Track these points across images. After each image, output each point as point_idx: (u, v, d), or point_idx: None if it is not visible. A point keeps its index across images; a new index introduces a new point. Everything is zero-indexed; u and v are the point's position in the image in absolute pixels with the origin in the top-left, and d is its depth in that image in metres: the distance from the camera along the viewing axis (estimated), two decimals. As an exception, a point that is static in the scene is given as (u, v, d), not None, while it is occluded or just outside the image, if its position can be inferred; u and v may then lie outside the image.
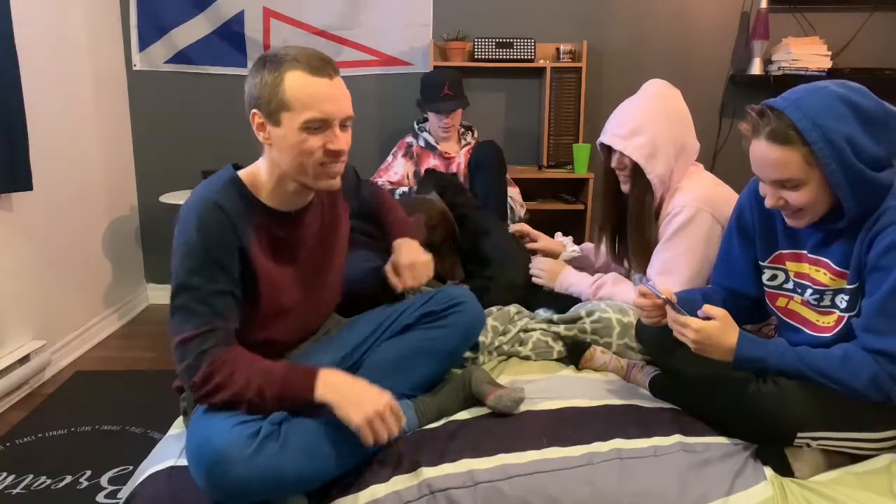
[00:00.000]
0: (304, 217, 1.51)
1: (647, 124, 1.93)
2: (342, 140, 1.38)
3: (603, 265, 2.34)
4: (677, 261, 1.91)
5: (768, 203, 1.45)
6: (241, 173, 1.45)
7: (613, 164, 2.01)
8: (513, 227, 2.46)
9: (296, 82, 1.33)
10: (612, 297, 2.02)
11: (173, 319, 1.35)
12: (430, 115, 3.08)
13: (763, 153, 1.39)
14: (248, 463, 1.21)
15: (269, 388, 1.30)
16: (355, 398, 1.30)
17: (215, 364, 1.31)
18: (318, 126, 1.35)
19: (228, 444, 1.21)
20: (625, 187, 2.03)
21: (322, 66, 1.35)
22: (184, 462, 1.37)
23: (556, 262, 2.25)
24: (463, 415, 1.56)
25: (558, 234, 2.54)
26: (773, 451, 1.42)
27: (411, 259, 1.68)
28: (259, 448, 1.22)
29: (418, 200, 2.28)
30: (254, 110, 1.38)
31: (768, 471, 1.38)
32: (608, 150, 2.04)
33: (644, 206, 1.98)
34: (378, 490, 1.32)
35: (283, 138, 1.36)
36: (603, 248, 2.22)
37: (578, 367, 1.84)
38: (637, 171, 1.95)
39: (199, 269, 1.33)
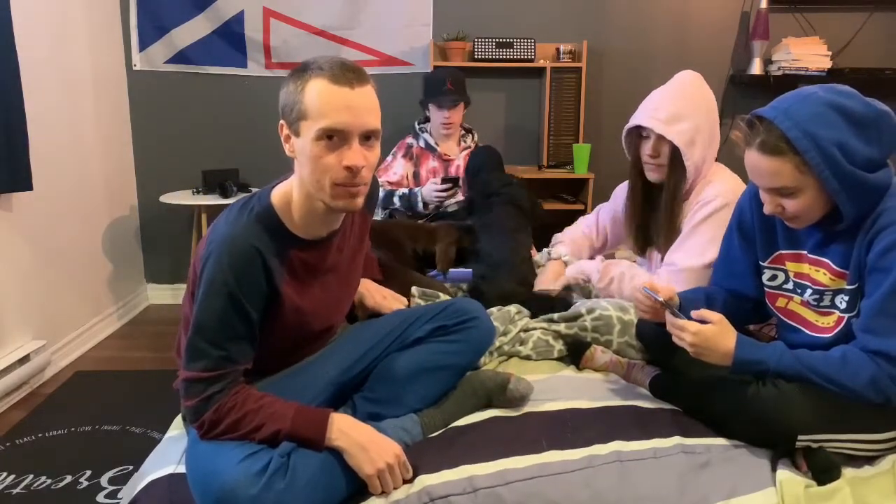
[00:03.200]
0: (333, 242, 1.46)
1: (688, 111, 1.93)
2: (357, 154, 1.28)
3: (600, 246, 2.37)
4: (703, 246, 1.91)
5: (767, 210, 1.46)
6: (275, 196, 1.38)
7: (648, 150, 1.97)
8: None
9: (315, 90, 1.26)
10: (623, 276, 2.03)
11: (185, 351, 1.33)
12: (432, 111, 3.08)
13: (756, 163, 1.40)
14: (256, 502, 1.20)
15: (277, 431, 1.29)
16: (367, 447, 1.30)
17: (221, 410, 1.29)
18: (333, 137, 1.26)
19: (236, 481, 1.20)
20: (653, 175, 2.01)
21: (344, 74, 1.27)
22: (183, 469, 1.37)
23: (555, 265, 2.25)
24: (462, 420, 1.55)
25: (544, 252, 2.43)
26: (819, 453, 1.39)
27: (375, 303, 1.73)
28: (267, 486, 1.21)
29: (441, 225, 2.36)
30: (281, 121, 1.33)
31: (780, 474, 1.37)
32: (637, 139, 2.02)
33: (679, 192, 1.98)
34: (378, 500, 1.31)
35: (302, 150, 1.30)
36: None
37: (579, 367, 1.84)
38: (675, 158, 1.94)
39: (219, 313, 1.30)
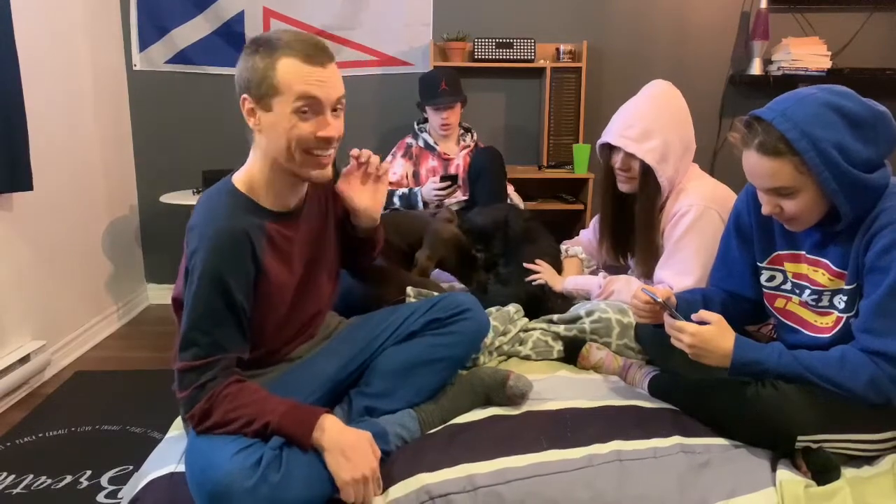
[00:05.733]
0: (302, 212, 1.50)
1: (659, 127, 1.93)
2: (334, 126, 1.37)
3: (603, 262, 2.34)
4: (690, 261, 1.91)
5: (765, 210, 1.46)
6: (237, 181, 1.43)
7: (618, 164, 1.99)
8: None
9: (289, 69, 1.31)
10: (622, 289, 2.02)
11: (179, 343, 1.35)
12: (430, 113, 3.08)
13: (754, 164, 1.40)
14: (251, 495, 1.21)
15: (266, 424, 1.30)
16: (348, 455, 1.29)
17: (213, 399, 1.30)
18: (307, 110, 1.33)
19: (230, 475, 1.21)
20: (624, 187, 2.03)
21: (316, 54, 1.33)
22: (183, 468, 1.37)
23: (572, 262, 2.25)
24: (462, 418, 1.56)
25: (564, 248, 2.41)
26: (819, 453, 1.39)
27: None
28: (261, 479, 1.22)
29: (430, 230, 2.25)
30: (244, 95, 1.36)
31: (780, 474, 1.37)
32: (608, 150, 2.03)
33: (654, 208, 1.98)
34: (376, 500, 1.32)
35: (273, 125, 1.35)
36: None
37: (576, 365, 1.84)
38: (647, 174, 1.95)
39: (207, 301, 1.32)
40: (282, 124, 1.34)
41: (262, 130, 1.38)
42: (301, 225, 1.50)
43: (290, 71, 1.31)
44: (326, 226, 1.60)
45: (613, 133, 1.97)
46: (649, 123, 1.93)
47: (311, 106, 1.33)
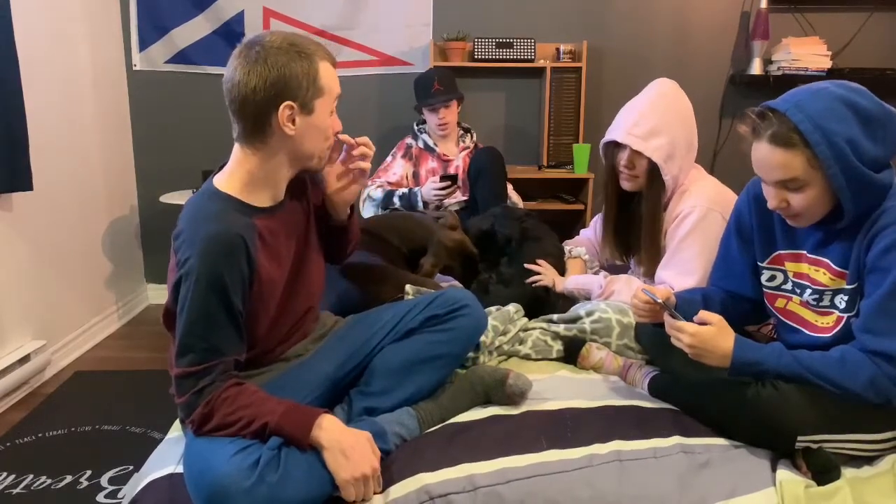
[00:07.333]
0: (287, 204, 1.51)
1: (665, 125, 1.93)
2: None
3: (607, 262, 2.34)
4: (693, 261, 1.91)
5: (771, 205, 1.45)
6: (221, 185, 1.43)
7: (623, 162, 1.98)
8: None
9: (326, 72, 1.41)
10: (623, 289, 2.02)
11: (175, 347, 1.35)
12: (426, 114, 3.08)
13: (765, 155, 1.39)
14: (248, 496, 1.21)
15: (265, 425, 1.30)
16: (348, 454, 1.29)
17: (213, 403, 1.31)
18: (334, 109, 1.46)
19: (228, 476, 1.22)
20: (627, 185, 2.02)
21: (334, 58, 1.46)
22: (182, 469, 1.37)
23: (575, 263, 2.25)
24: (461, 417, 1.56)
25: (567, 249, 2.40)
26: (819, 453, 1.39)
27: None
28: (259, 479, 1.22)
29: (435, 238, 2.24)
30: (287, 102, 1.36)
31: (780, 474, 1.37)
32: (612, 148, 2.02)
33: (659, 207, 1.98)
34: (375, 499, 1.32)
35: (313, 126, 1.42)
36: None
37: (576, 365, 1.84)
38: (653, 173, 1.94)
39: (202, 307, 1.31)
40: (323, 123, 1.43)
41: (297, 133, 1.40)
42: (284, 216, 1.51)
43: (328, 73, 1.42)
44: (308, 216, 1.61)
45: (620, 131, 1.96)
46: (656, 122, 1.93)
47: (335, 105, 1.46)
